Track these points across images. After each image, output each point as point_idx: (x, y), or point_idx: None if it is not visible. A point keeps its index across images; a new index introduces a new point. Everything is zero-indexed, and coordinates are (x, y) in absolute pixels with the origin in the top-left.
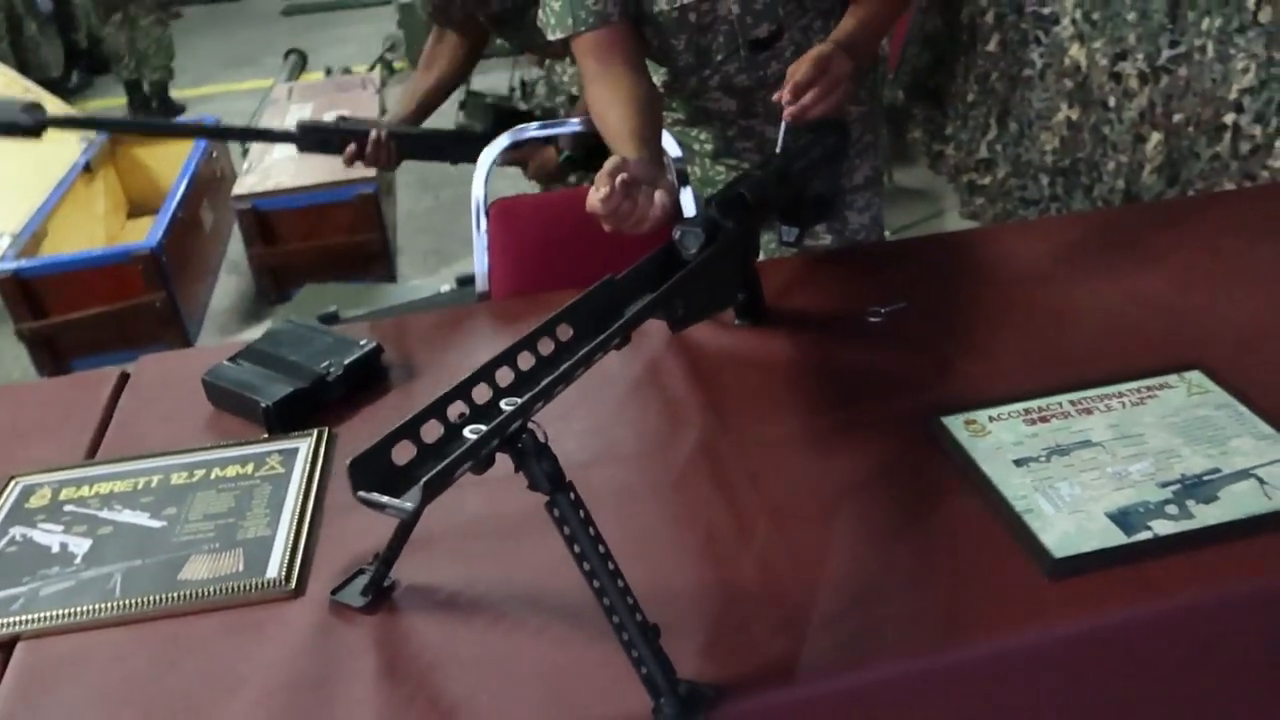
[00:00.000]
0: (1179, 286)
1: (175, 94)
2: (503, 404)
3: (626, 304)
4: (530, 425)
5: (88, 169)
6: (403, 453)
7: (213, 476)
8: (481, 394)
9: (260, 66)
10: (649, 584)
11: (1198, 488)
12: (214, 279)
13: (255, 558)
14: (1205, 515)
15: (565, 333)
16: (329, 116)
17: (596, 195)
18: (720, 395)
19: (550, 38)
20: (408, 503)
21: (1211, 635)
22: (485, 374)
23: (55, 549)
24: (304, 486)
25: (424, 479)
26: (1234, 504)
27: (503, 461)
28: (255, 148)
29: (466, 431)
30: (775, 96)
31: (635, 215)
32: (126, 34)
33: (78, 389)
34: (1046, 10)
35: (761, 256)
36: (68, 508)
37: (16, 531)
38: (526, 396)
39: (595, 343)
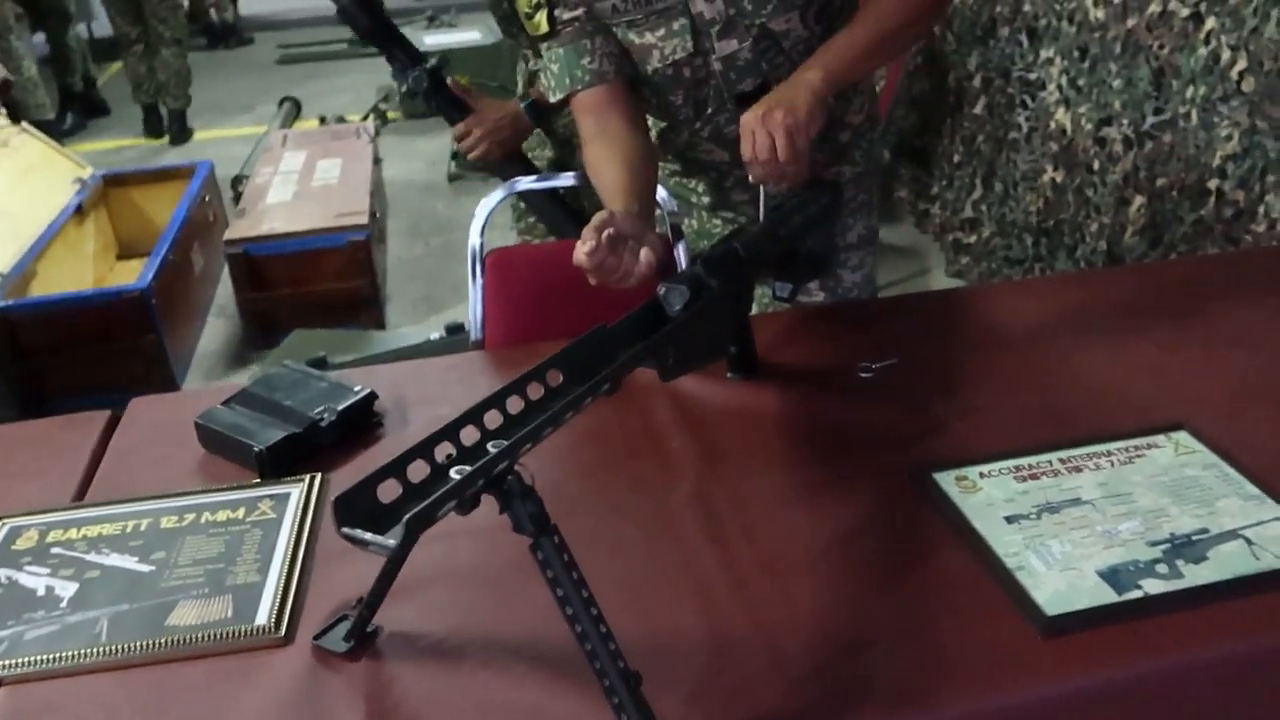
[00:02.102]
0: (1165, 347)
1: (167, 139)
2: (490, 446)
3: (617, 352)
4: (517, 468)
5: (80, 210)
6: (389, 492)
7: (203, 520)
8: (470, 436)
9: (255, 113)
10: (637, 632)
11: (1187, 547)
12: (202, 322)
13: (244, 604)
14: (1195, 575)
15: (555, 378)
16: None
17: (582, 249)
18: (713, 446)
19: (551, 100)
20: (390, 540)
21: (1204, 695)
22: (473, 416)
23: (41, 592)
24: (295, 532)
25: (406, 516)
26: (1223, 564)
27: (492, 511)
28: (247, 192)
29: (453, 472)
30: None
31: (620, 270)
32: (146, 64)
33: (66, 430)
34: (1033, 76)
35: (754, 310)
36: (55, 550)
37: (1, 574)
38: (514, 438)
39: (584, 388)
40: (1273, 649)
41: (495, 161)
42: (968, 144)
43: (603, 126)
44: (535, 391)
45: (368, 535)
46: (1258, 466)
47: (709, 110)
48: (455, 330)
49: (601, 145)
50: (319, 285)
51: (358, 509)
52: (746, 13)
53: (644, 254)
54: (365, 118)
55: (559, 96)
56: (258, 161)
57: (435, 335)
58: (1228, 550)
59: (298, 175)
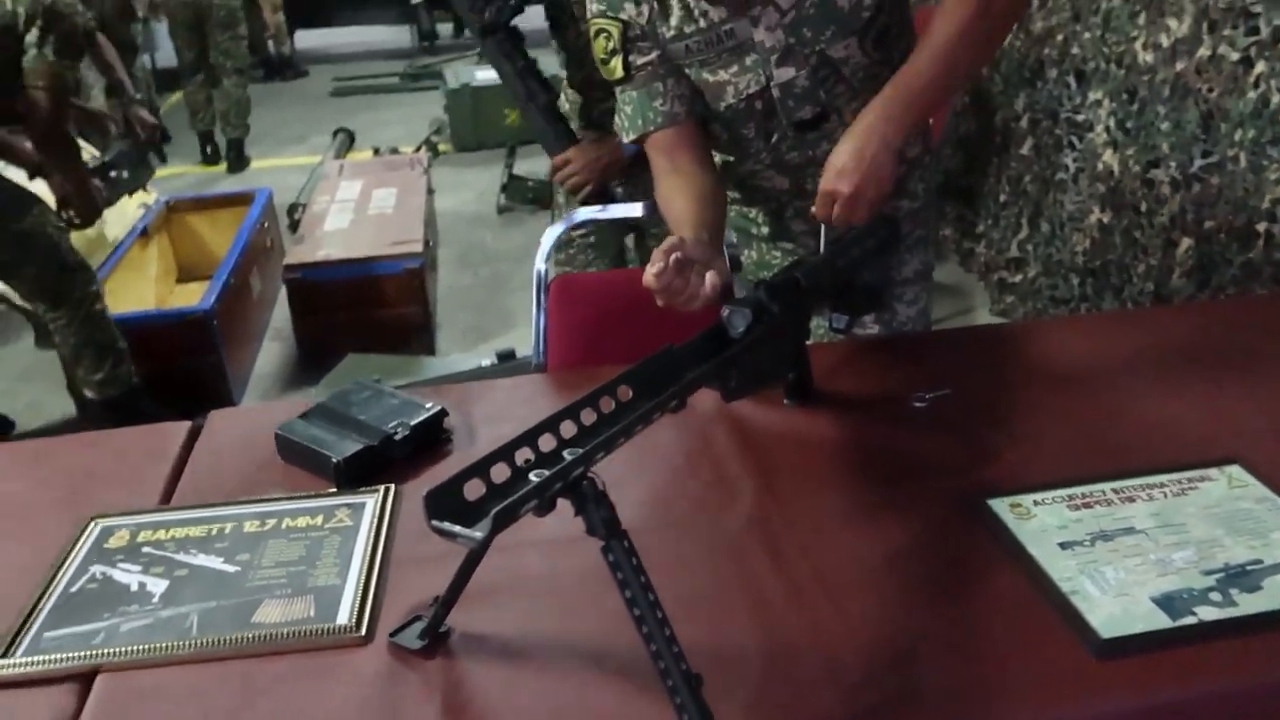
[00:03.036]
0: (1215, 383)
1: (224, 167)
2: (565, 453)
3: (684, 372)
4: (592, 475)
5: (144, 233)
6: (473, 491)
7: (283, 526)
8: (547, 443)
9: (308, 144)
10: (699, 641)
11: (1241, 577)
12: (258, 345)
13: (326, 604)
14: (1249, 604)
15: (625, 394)
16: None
17: (651, 270)
18: (770, 469)
19: (624, 140)
20: (478, 533)
21: None
22: (550, 425)
23: (134, 587)
24: (372, 539)
25: (494, 510)
26: (1277, 594)
27: (559, 525)
28: (305, 219)
29: (531, 475)
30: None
31: (687, 292)
32: (205, 93)
33: (150, 439)
34: (1081, 118)
35: (810, 340)
36: (145, 549)
37: (97, 569)
38: (589, 445)
39: (655, 402)
40: None
41: (588, 194)
42: (1014, 184)
43: (674, 164)
44: (607, 405)
45: (457, 528)
46: None
47: (775, 138)
48: (506, 357)
49: (673, 180)
50: (373, 311)
51: (446, 505)
52: (806, 40)
53: (710, 277)
54: (418, 149)
55: (632, 138)
56: (315, 190)
57: (487, 362)
58: None
59: (354, 204)
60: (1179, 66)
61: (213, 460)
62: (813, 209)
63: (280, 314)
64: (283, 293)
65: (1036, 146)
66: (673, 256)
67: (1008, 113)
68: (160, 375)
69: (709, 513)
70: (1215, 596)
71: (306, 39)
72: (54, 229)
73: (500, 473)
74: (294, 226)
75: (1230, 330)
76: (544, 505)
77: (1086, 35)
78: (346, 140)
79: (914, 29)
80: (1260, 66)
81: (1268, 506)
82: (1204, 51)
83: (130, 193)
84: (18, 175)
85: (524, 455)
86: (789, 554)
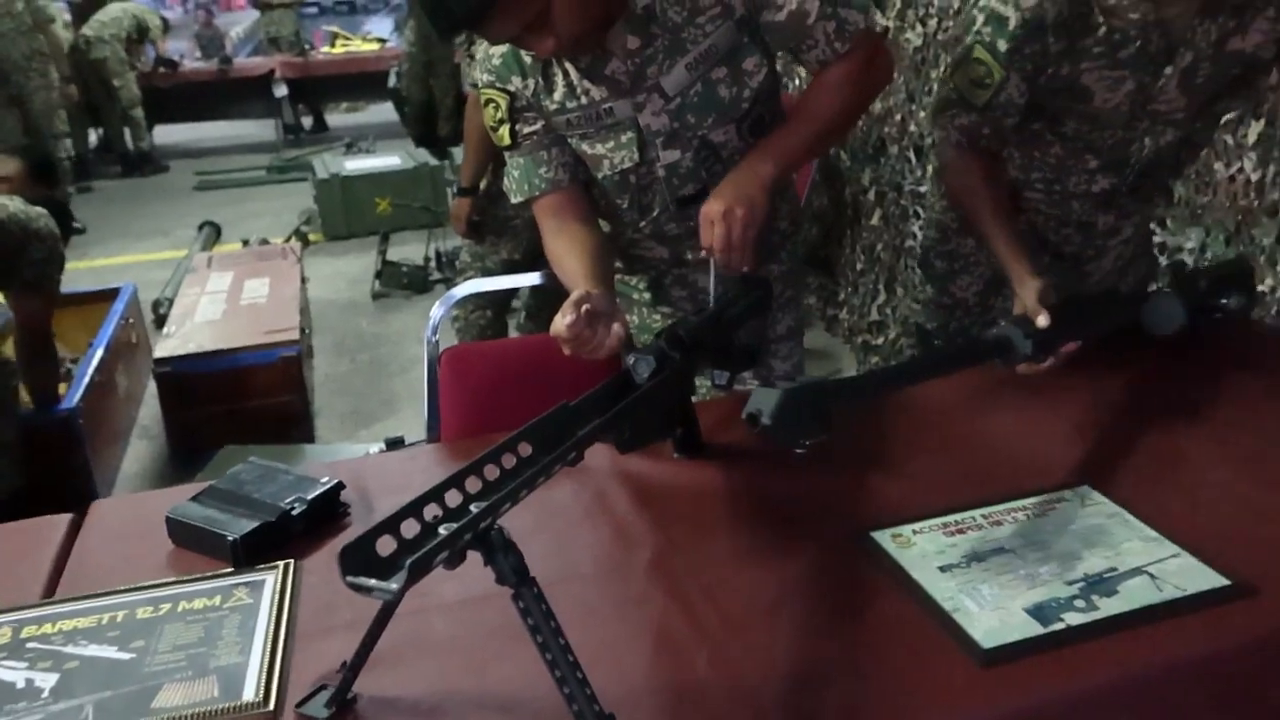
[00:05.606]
0: (1067, 418)
1: (83, 264)
2: (472, 507)
3: (579, 427)
4: (499, 525)
5: None
6: (384, 547)
7: (180, 609)
8: (453, 499)
9: (172, 238)
10: (612, 685)
11: (1099, 584)
12: (125, 444)
13: (230, 683)
14: (1108, 607)
15: (525, 449)
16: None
17: (563, 321)
18: (667, 519)
19: (513, 200)
20: (394, 584)
21: (1122, 712)
22: (456, 481)
23: (21, 685)
24: (274, 614)
25: (408, 562)
26: (1131, 596)
27: (464, 586)
28: (175, 312)
29: (440, 529)
30: (701, 252)
31: (594, 342)
32: None
33: (27, 534)
34: (923, 189)
35: (696, 398)
36: (30, 644)
37: None
38: (495, 497)
39: (555, 454)
40: (1178, 666)
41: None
42: (869, 252)
43: (562, 225)
44: (509, 461)
45: (371, 581)
46: (1151, 514)
47: (654, 212)
48: (395, 444)
49: (563, 239)
50: (249, 402)
51: (360, 560)
52: (690, 125)
53: (615, 328)
54: (288, 240)
55: (519, 200)
56: (182, 283)
57: (375, 448)
58: (1134, 585)
59: (226, 295)
60: None
61: (98, 550)
62: (702, 253)
63: (148, 411)
64: (151, 389)
65: (885, 217)
66: (584, 308)
67: (856, 187)
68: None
69: (612, 563)
70: (1079, 603)
71: (167, 134)
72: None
73: (410, 528)
74: (160, 322)
75: (1074, 370)
76: (454, 556)
77: (921, 114)
78: (213, 233)
79: (785, 116)
80: None
81: (1117, 521)
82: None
83: None
84: None
85: (432, 511)
86: (692, 596)
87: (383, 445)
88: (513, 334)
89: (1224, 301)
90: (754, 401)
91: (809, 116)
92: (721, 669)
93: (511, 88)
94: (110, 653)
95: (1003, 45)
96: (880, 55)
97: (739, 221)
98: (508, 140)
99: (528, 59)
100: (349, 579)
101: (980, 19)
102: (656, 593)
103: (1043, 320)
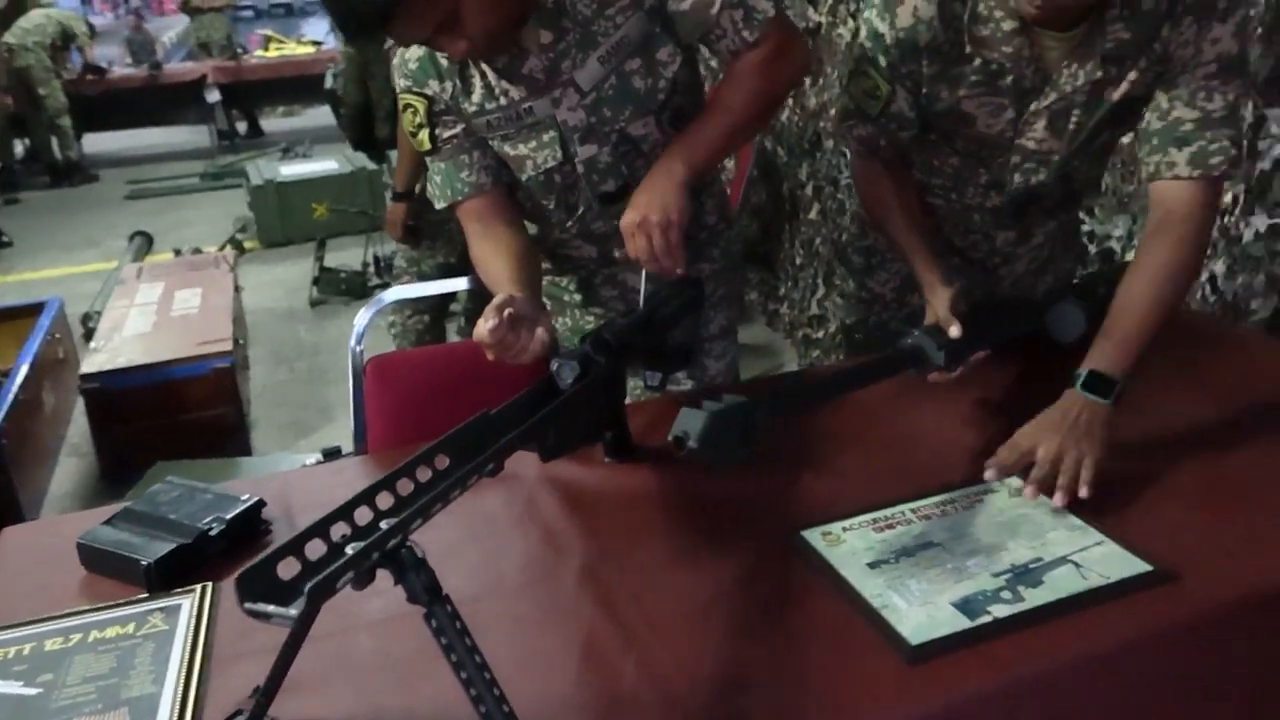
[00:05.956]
0: (994, 413)
1: (11, 278)
2: (382, 524)
3: (499, 436)
4: (409, 543)
5: None
6: (288, 570)
7: (91, 639)
8: (363, 516)
9: (102, 249)
10: (538, 698)
11: (1025, 574)
12: (53, 464)
13: (142, 714)
14: (1034, 597)
15: (442, 462)
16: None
17: (485, 325)
18: (597, 525)
19: (437, 206)
20: (293, 610)
21: (1049, 702)
22: (366, 497)
23: None
24: (190, 640)
25: (308, 586)
26: (1057, 586)
27: (389, 605)
28: (103, 326)
29: (348, 549)
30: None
31: (518, 347)
32: None
33: None
34: None
35: (628, 400)
36: None
37: None
38: (405, 513)
39: (470, 466)
40: (1103, 654)
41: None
42: (807, 247)
43: (486, 229)
44: (424, 474)
45: (270, 608)
46: (1076, 503)
47: (580, 211)
48: (333, 454)
49: (488, 244)
50: (182, 416)
51: (260, 586)
52: (606, 119)
53: (539, 333)
54: (222, 248)
55: (442, 205)
56: (111, 296)
57: (312, 460)
58: (1060, 574)
59: (156, 306)
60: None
61: (7, 580)
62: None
63: (76, 429)
64: (80, 406)
65: (823, 211)
66: (506, 312)
67: (793, 182)
68: None
69: (542, 573)
70: (1005, 595)
71: (96, 142)
72: None
73: (315, 549)
74: (89, 335)
75: (999, 364)
76: (362, 577)
77: None
78: (144, 243)
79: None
80: None
81: (1043, 510)
82: None
83: None
84: None
85: (340, 530)
86: (620, 603)
87: (320, 456)
88: (454, 339)
89: None
90: (680, 424)
91: (722, 108)
92: (649, 676)
93: (429, 91)
94: (15, 688)
95: (882, 61)
96: (791, 44)
97: (657, 228)
98: (428, 145)
99: (444, 62)
100: (247, 606)
101: (864, 30)
102: (585, 601)
103: (954, 331)
